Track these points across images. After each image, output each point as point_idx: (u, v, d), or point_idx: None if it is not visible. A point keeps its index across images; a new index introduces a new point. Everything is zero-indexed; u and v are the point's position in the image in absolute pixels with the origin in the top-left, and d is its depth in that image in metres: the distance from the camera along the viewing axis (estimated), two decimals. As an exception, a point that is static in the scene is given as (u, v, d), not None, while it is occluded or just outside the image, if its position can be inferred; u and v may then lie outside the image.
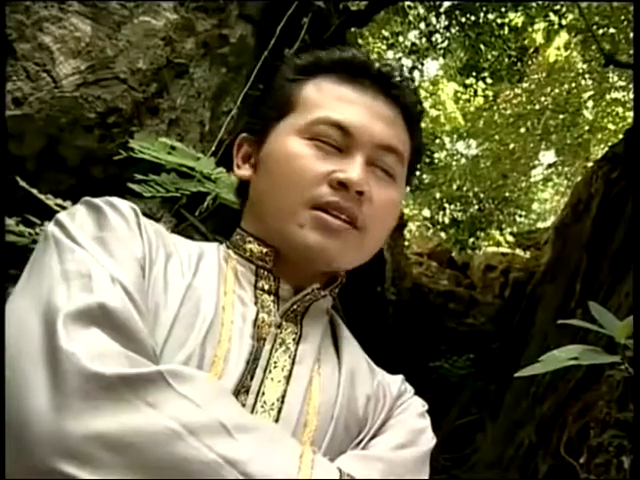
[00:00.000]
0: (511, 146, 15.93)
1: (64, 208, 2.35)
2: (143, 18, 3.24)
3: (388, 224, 1.19)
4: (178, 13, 3.42)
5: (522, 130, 15.70)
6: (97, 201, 1.03)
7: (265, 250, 1.13)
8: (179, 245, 1.12)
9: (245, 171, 1.20)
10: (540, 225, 16.86)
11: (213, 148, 3.28)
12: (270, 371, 1.03)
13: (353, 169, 1.08)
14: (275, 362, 1.04)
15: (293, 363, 1.06)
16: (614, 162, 6.71)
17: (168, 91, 3.47)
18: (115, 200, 1.05)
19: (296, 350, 1.08)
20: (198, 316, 1.00)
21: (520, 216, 17.02)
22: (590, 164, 12.15)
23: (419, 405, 1.21)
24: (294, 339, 1.09)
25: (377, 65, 1.18)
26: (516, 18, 10.53)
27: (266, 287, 1.12)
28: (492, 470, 5.96)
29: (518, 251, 13.05)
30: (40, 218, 2.37)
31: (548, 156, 16.99)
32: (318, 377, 1.07)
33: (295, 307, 1.12)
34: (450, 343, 9.79)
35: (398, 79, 1.18)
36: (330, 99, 1.13)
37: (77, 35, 2.98)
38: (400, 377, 1.24)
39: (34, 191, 2.37)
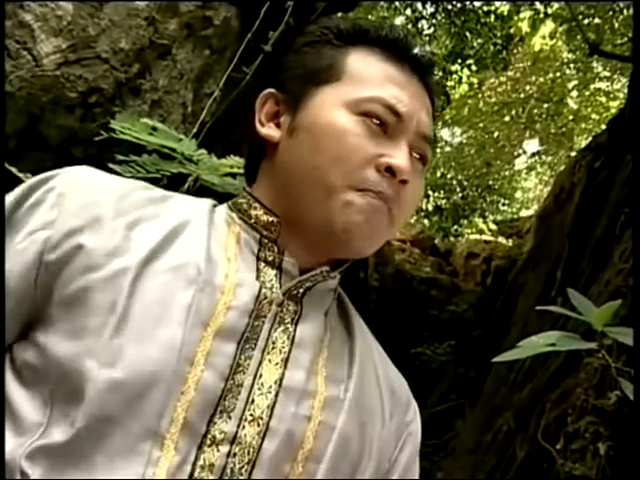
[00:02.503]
0: (495, 134, 16.00)
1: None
2: (126, -3, 3.22)
3: (412, 210, 1.17)
4: (161, -7, 3.40)
5: (506, 118, 15.77)
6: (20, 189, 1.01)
7: (272, 219, 1.07)
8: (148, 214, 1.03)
9: (272, 131, 1.10)
10: (523, 214, 16.91)
11: (195, 130, 3.26)
12: (268, 352, 0.99)
13: (401, 156, 1.04)
14: (274, 342, 1.00)
15: (292, 345, 1.01)
16: (597, 152, 6.74)
17: (150, 72, 3.45)
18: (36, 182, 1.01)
19: (295, 331, 1.03)
20: (178, 295, 0.95)
21: (503, 204, 17.07)
22: (573, 153, 12.21)
23: (419, 433, 1.20)
24: (293, 319, 1.04)
25: (417, 49, 1.13)
26: (502, 6, 10.53)
27: (270, 258, 1.06)
28: (471, 455, 6.00)
29: (500, 239, 13.09)
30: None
31: (532, 145, 17.05)
32: (322, 363, 1.04)
33: (299, 286, 1.06)
34: (432, 330, 9.83)
35: (431, 66, 1.16)
36: (380, 77, 1.07)
37: (59, 14, 2.96)
38: (409, 395, 1.20)
39: (13, 169, 2.35)
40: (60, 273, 0.94)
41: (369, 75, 1.07)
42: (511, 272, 9.47)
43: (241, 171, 2.63)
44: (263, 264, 1.06)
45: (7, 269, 0.94)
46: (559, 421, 4.01)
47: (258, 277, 1.04)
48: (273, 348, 1.00)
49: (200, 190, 2.69)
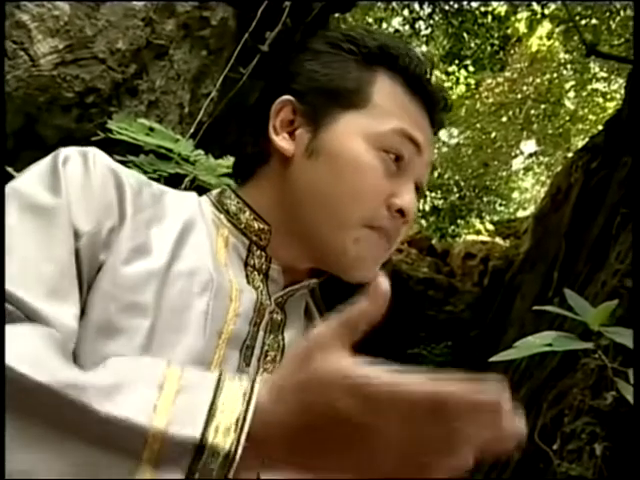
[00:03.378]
0: (492, 135, 16.03)
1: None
2: (123, -2, 3.22)
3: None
4: (159, -6, 3.40)
5: (504, 119, 15.79)
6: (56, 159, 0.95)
7: (263, 227, 1.06)
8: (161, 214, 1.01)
9: (286, 143, 1.07)
10: (520, 214, 16.95)
11: (192, 130, 3.26)
12: (264, 361, 0.99)
13: (409, 197, 1.05)
14: (267, 351, 1.00)
15: (282, 355, 1.02)
16: (594, 152, 6.73)
17: (147, 72, 3.45)
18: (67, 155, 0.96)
19: (283, 340, 1.03)
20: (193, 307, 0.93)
21: (500, 205, 17.14)
22: (570, 154, 12.22)
23: None
24: (279, 326, 1.04)
25: (432, 85, 1.12)
26: (499, 7, 10.56)
27: (257, 265, 1.06)
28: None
29: (498, 239, 13.09)
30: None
31: (529, 145, 17.10)
32: None
33: (289, 294, 1.07)
34: (429, 330, 9.82)
35: (445, 102, 1.15)
36: (401, 108, 1.06)
37: (55, 14, 2.95)
38: None
39: (10, 169, 2.35)
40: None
41: (393, 107, 1.06)
42: (508, 272, 9.47)
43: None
44: (251, 270, 1.06)
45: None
46: (556, 421, 4.01)
47: (248, 283, 1.04)
48: (266, 357, 1.00)
49: (197, 190, 2.70)
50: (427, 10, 10.44)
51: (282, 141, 1.08)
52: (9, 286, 0.80)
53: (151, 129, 2.63)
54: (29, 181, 0.92)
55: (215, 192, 1.14)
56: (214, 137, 3.47)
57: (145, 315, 0.89)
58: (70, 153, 0.96)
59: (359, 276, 1.05)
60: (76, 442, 0.67)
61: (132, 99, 3.38)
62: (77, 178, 0.93)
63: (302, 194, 1.05)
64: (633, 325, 1.73)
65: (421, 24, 10.92)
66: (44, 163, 0.95)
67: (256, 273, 1.05)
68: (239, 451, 0.66)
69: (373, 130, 1.04)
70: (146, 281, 0.91)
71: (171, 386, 0.71)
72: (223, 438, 0.67)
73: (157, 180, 2.62)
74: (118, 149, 2.59)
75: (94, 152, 0.99)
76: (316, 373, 0.68)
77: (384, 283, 0.71)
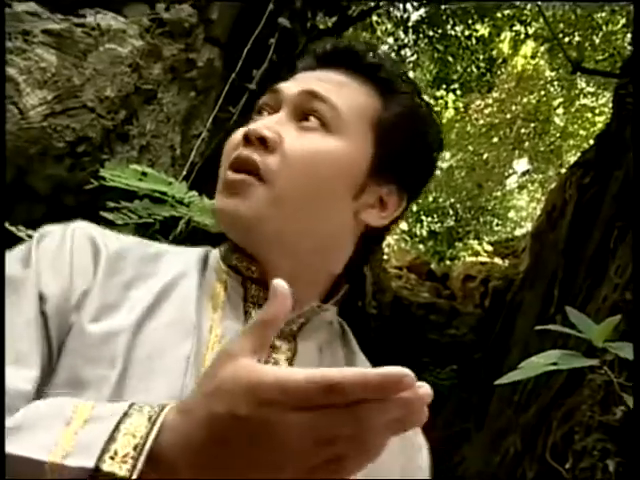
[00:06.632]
0: (484, 156, 16.10)
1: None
2: (109, 45, 3.24)
3: (311, 173, 1.01)
4: (144, 39, 3.43)
5: (494, 139, 15.86)
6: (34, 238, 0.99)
7: (250, 260, 1.04)
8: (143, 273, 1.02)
9: None
10: (517, 233, 16.94)
11: (185, 172, 3.28)
12: None
13: (261, 121, 1.03)
14: None
15: None
16: (586, 167, 6.75)
17: (137, 117, 3.47)
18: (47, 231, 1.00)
19: None
20: (167, 353, 0.92)
21: (497, 225, 17.15)
22: (563, 170, 12.26)
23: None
24: (287, 358, 1.00)
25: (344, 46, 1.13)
26: (482, 29, 10.62)
27: (255, 299, 1.03)
28: (480, 478, 5.95)
29: (497, 260, 13.10)
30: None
31: (522, 164, 17.18)
32: None
33: (290, 324, 1.01)
34: (433, 355, 9.78)
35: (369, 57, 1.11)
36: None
37: (42, 65, 2.98)
38: None
39: (5, 224, 2.35)
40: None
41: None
42: (509, 292, 9.45)
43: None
44: (251, 306, 1.03)
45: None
46: (566, 439, 3.98)
47: (246, 321, 1.00)
48: None
49: (193, 232, 2.70)
50: (412, 37, 10.51)
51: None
52: None
53: (144, 174, 2.64)
54: (8, 259, 0.95)
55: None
56: (207, 177, 3.48)
57: (112, 366, 0.89)
58: (49, 230, 1.00)
59: (239, 226, 1.02)
60: None
61: (123, 145, 3.39)
62: (50, 249, 0.96)
63: None
64: (633, 339, 1.73)
65: (407, 51, 10.99)
66: (26, 242, 0.99)
67: (257, 308, 1.02)
68: (134, 476, 0.67)
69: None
70: (114, 335, 0.91)
71: (79, 419, 0.73)
72: (119, 465, 0.68)
73: (152, 224, 2.63)
74: (112, 195, 2.60)
75: (74, 226, 1.01)
76: (220, 382, 0.68)
77: (280, 283, 0.71)
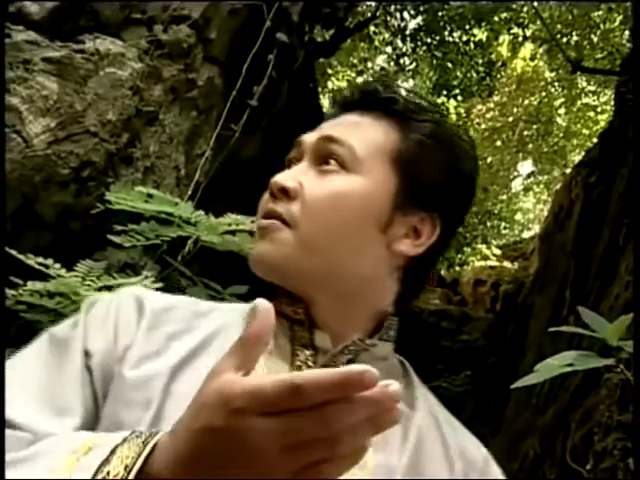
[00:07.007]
0: (488, 160, 16.07)
1: (45, 266, 2.34)
2: (109, 70, 3.25)
3: (332, 212, 1.04)
4: (143, 61, 3.44)
5: (498, 143, 15.86)
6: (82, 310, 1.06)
7: (292, 302, 1.05)
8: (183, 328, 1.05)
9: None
10: (525, 235, 16.92)
11: (190, 192, 3.29)
12: None
13: (284, 173, 1.07)
14: None
15: None
16: (591, 166, 6.74)
17: (140, 139, 3.48)
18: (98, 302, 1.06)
19: None
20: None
21: (504, 228, 17.12)
22: (568, 170, 12.24)
23: None
24: None
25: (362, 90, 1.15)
26: (480, 34, 10.64)
27: (303, 341, 1.04)
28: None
29: (506, 263, 13.06)
30: (22, 278, 2.35)
31: (526, 166, 17.18)
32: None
33: (335, 360, 1.01)
34: (446, 361, 9.75)
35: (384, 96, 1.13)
36: None
37: (44, 93, 2.99)
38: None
39: (13, 252, 2.36)
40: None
41: None
42: (520, 295, 9.43)
43: (240, 228, 2.64)
44: (298, 347, 1.04)
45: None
46: (586, 441, 3.96)
47: (293, 362, 1.02)
48: None
49: (201, 251, 2.70)
50: (410, 45, 10.53)
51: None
52: (21, 413, 0.90)
53: (149, 195, 2.64)
54: (61, 325, 1.04)
55: None
56: (213, 195, 3.49)
57: (148, 407, 0.93)
58: (98, 298, 1.08)
59: (269, 270, 1.05)
60: None
61: (128, 167, 3.40)
62: (98, 313, 1.04)
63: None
64: (634, 339, 1.72)
65: (406, 60, 11.01)
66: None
67: (304, 348, 1.04)
68: None
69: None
70: (151, 379, 0.96)
71: (84, 448, 0.76)
72: None
73: (160, 245, 2.63)
74: (118, 219, 2.61)
75: (121, 290, 1.11)
76: (204, 398, 0.70)
77: (261, 301, 0.73)
